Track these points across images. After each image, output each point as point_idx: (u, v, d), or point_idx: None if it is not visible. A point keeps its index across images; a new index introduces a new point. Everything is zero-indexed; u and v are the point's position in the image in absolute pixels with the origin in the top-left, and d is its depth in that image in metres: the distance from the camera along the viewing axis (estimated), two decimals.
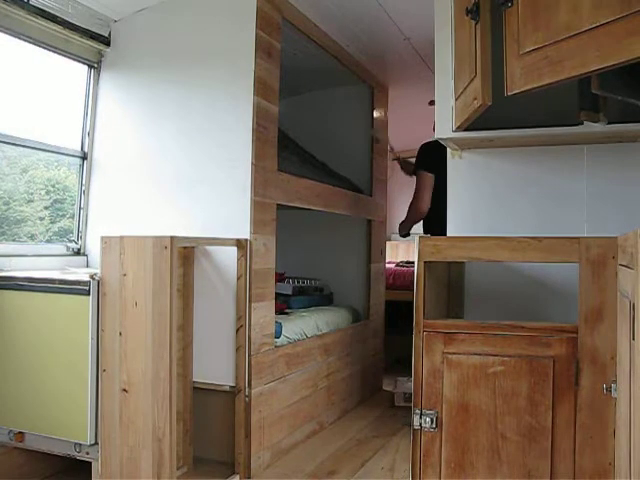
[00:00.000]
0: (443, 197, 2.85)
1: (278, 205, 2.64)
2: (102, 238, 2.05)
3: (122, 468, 2.00)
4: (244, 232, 2.41)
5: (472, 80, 1.54)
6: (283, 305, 3.17)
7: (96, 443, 2.05)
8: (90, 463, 2.08)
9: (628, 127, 1.77)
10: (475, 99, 1.50)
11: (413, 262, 1.76)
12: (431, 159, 3.03)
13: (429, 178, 3.11)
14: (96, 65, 2.77)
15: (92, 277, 2.05)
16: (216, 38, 2.54)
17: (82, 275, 2.15)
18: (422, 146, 3.25)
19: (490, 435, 1.58)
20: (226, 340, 2.40)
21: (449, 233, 2.18)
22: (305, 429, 2.90)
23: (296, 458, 2.66)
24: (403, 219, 3.38)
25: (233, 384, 2.39)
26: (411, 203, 3.21)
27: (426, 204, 3.12)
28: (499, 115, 1.74)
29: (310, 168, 3.39)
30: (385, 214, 4.05)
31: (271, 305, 2.59)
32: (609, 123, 1.77)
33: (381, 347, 3.95)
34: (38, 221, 2.73)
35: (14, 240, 2.56)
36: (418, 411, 1.64)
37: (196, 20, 2.59)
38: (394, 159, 4.38)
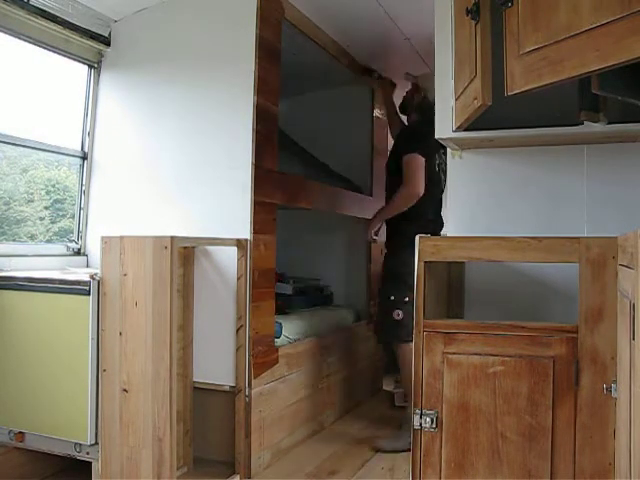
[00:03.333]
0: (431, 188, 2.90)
1: (278, 205, 2.64)
2: (102, 238, 2.05)
3: (122, 468, 2.00)
4: (244, 232, 2.41)
5: (472, 80, 1.54)
6: (283, 305, 3.17)
7: (96, 443, 2.05)
8: (90, 463, 2.08)
9: (628, 127, 1.77)
10: (475, 99, 1.50)
11: None
12: (425, 142, 2.80)
13: (422, 161, 2.87)
14: (96, 65, 2.77)
15: (92, 277, 2.05)
16: (216, 38, 2.54)
17: (82, 275, 2.15)
18: (411, 127, 3.13)
19: (490, 435, 1.58)
20: (226, 340, 2.40)
21: (449, 233, 2.17)
22: (305, 429, 2.90)
23: (296, 458, 2.66)
24: (380, 208, 3.10)
25: (233, 384, 2.39)
26: (403, 186, 2.86)
27: (422, 185, 2.85)
28: (499, 115, 1.74)
29: (310, 168, 3.39)
30: None
31: (271, 305, 2.59)
32: (609, 123, 1.76)
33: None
34: (38, 221, 2.73)
35: (14, 240, 2.56)
36: (418, 411, 1.64)
37: (196, 20, 2.59)
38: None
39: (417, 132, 2.98)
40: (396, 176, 2.94)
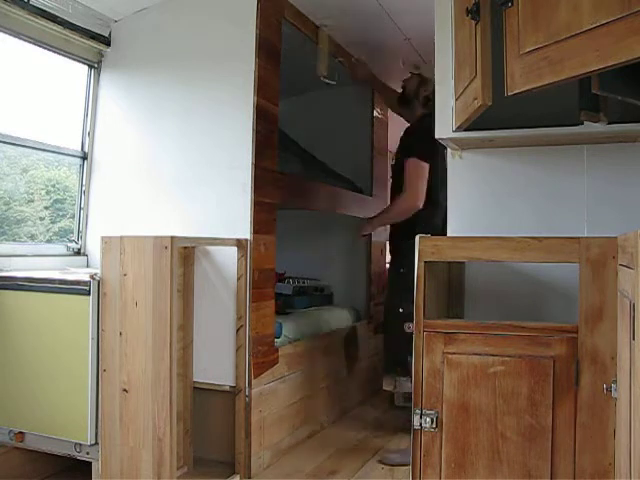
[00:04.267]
0: (437, 194, 2.75)
1: (278, 205, 2.64)
2: (102, 238, 2.05)
3: (122, 468, 2.00)
4: (244, 232, 2.41)
5: (472, 80, 1.54)
6: (283, 305, 3.17)
7: (96, 443, 2.05)
8: (90, 463, 2.08)
9: (628, 127, 1.77)
10: (475, 99, 1.50)
11: None
12: (429, 145, 2.52)
13: (424, 168, 2.71)
14: (96, 65, 2.77)
15: (92, 277, 2.05)
16: (216, 38, 2.54)
17: (82, 275, 2.15)
18: (415, 126, 2.90)
19: (490, 435, 1.58)
20: (226, 340, 2.40)
21: (449, 233, 2.17)
22: (305, 429, 2.89)
23: (296, 458, 2.66)
24: (376, 213, 3.08)
25: (233, 384, 2.39)
26: (402, 194, 2.75)
27: (422, 197, 2.71)
28: (499, 115, 1.74)
29: (310, 168, 3.39)
30: None
31: (271, 305, 2.59)
32: (609, 123, 1.76)
33: (381, 347, 3.95)
34: (38, 221, 2.73)
35: (14, 240, 2.56)
36: (418, 411, 1.64)
37: (196, 20, 2.59)
38: None
39: (420, 132, 2.72)
40: (399, 178, 2.81)
